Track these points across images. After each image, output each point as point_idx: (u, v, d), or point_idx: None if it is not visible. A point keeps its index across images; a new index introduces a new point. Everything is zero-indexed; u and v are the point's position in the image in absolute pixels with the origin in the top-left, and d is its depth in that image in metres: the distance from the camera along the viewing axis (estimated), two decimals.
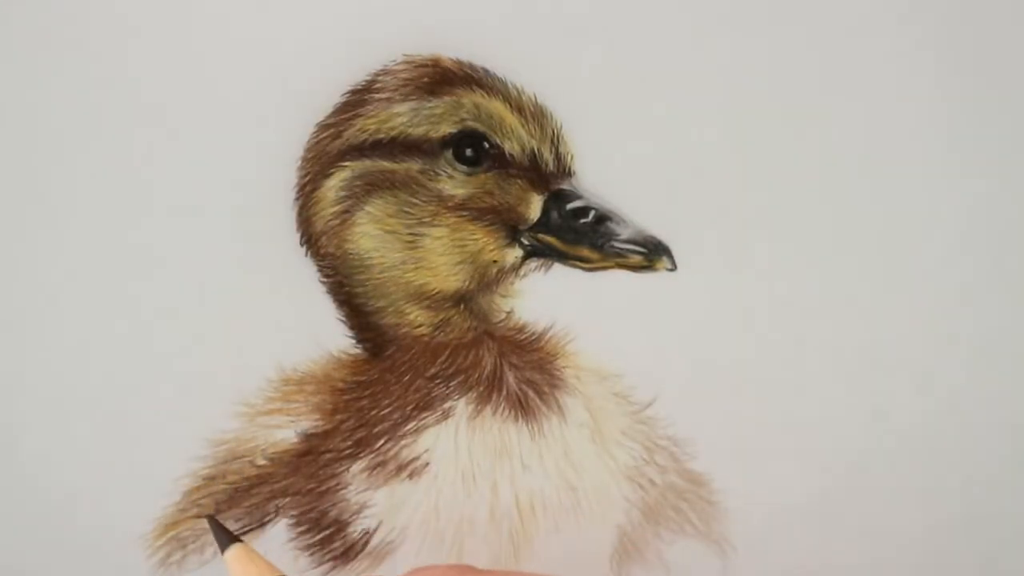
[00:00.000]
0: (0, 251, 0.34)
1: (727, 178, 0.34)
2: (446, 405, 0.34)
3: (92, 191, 0.34)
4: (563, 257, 0.34)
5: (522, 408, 0.34)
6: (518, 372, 0.34)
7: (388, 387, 0.34)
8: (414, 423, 0.34)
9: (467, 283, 0.34)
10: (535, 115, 0.33)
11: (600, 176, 0.33)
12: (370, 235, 0.34)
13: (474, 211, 0.33)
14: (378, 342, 0.34)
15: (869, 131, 0.34)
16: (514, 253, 0.34)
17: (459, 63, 0.33)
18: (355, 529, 0.34)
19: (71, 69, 0.34)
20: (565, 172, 0.34)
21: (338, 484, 0.34)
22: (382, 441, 0.34)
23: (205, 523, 0.34)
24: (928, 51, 0.34)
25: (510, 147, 0.33)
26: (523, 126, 0.33)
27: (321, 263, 0.34)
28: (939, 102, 0.34)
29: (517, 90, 0.33)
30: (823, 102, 0.34)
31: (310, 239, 0.34)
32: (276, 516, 0.34)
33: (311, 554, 0.34)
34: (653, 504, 0.34)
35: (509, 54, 0.33)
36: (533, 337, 0.34)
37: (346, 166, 0.33)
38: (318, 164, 0.34)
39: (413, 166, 0.33)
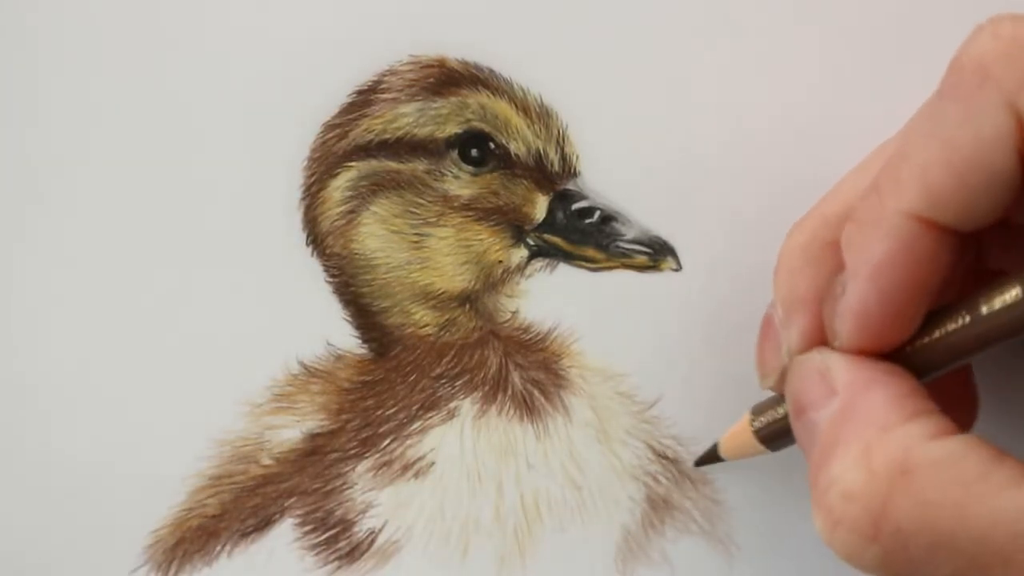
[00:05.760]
0: (4, 251, 0.34)
1: (733, 178, 0.34)
2: (451, 405, 0.34)
3: (99, 189, 0.34)
4: (568, 257, 0.34)
5: (527, 408, 0.34)
6: (523, 372, 0.34)
7: (393, 387, 0.34)
8: (419, 423, 0.34)
9: (472, 283, 0.34)
10: (541, 115, 0.33)
11: (605, 176, 0.34)
12: (376, 235, 0.34)
13: (479, 211, 0.33)
14: (384, 342, 0.34)
15: (870, 132, 0.34)
16: (519, 253, 0.34)
17: (465, 63, 0.33)
18: (361, 528, 0.34)
19: (77, 70, 0.34)
20: (570, 172, 0.34)
21: (344, 484, 0.34)
22: (387, 441, 0.34)
23: (209, 525, 0.34)
24: (930, 52, 0.34)
25: (515, 147, 0.33)
26: (529, 126, 0.33)
27: (327, 263, 0.34)
28: None
29: (523, 90, 0.33)
30: (826, 102, 0.34)
31: (316, 239, 0.34)
32: (282, 516, 0.34)
33: (316, 554, 0.34)
34: (657, 503, 0.34)
35: (515, 54, 0.33)
36: (538, 337, 0.34)
37: (352, 166, 0.34)
38: (324, 164, 0.34)
39: (419, 166, 0.33)
